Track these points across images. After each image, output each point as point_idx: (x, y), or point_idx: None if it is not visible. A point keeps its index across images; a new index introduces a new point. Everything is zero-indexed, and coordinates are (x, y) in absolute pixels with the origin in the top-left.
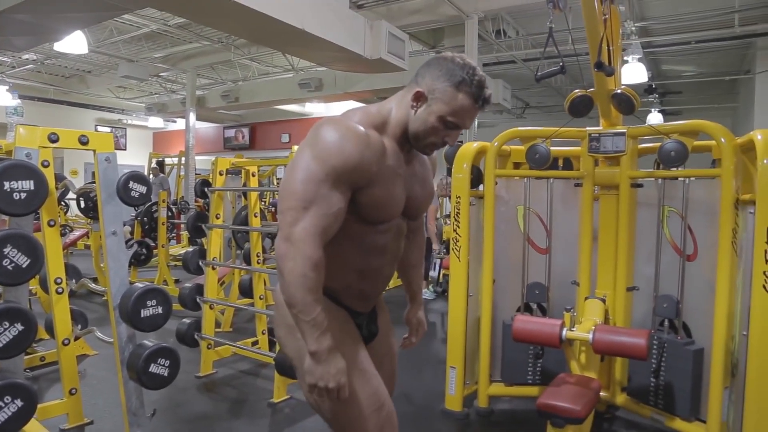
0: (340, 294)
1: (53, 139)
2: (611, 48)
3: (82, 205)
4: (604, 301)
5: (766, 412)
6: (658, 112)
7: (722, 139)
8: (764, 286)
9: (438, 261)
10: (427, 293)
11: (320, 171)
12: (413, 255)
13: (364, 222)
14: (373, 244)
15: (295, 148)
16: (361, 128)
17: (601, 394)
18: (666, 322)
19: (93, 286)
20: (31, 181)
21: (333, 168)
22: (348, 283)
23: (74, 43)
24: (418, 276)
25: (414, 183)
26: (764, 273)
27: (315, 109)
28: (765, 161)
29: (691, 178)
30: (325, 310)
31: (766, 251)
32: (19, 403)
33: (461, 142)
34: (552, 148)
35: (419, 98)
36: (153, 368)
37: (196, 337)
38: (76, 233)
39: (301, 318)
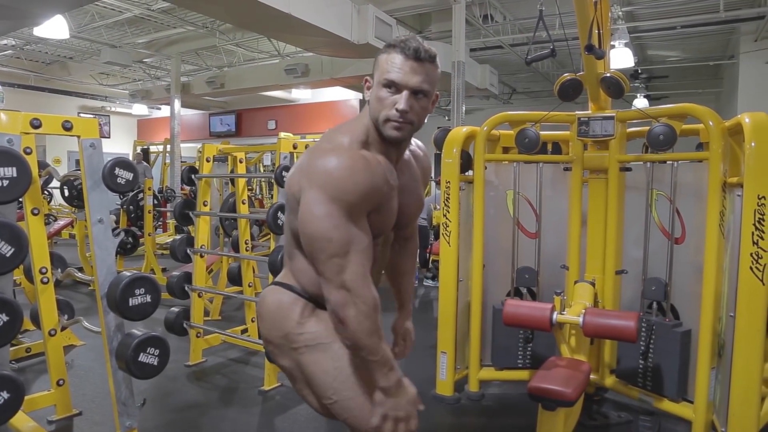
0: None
1: (36, 124)
2: (601, 31)
3: (66, 193)
4: (593, 284)
5: (752, 391)
6: (644, 97)
7: (710, 123)
8: (751, 268)
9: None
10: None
11: (343, 212)
12: (405, 263)
13: None
14: None
15: (282, 135)
16: (361, 152)
17: (591, 376)
18: (654, 305)
19: (79, 275)
20: (14, 168)
21: (353, 205)
22: None
23: (55, 28)
24: (409, 284)
25: (404, 194)
26: (751, 255)
27: (301, 95)
28: (752, 144)
29: (680, 162)
30: (320, 319)
31: (753, 233)
32: (5, 395)
33: (449, 128)
34: (541, 132)
35: (368, 86)
36: (142, 357)
37: (184, 325)
38: (61, 222)
39: (370, 359)
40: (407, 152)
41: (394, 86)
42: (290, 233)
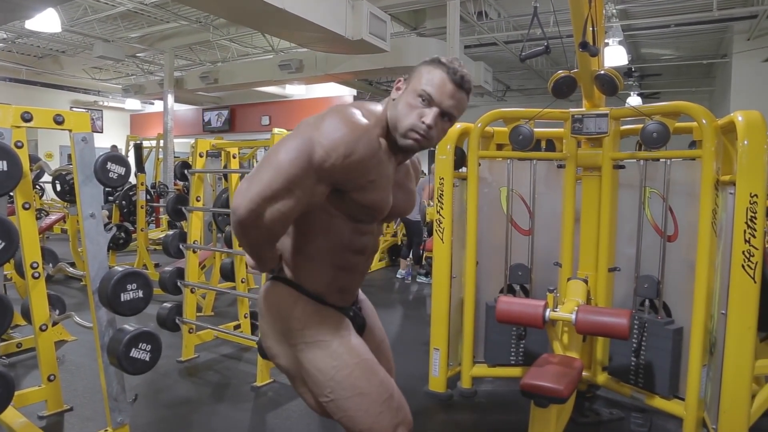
0: (325, 294)
1: (26, 118)
2: (595, 28)
3: (58, 188)
4: (586, 281)
5: (743, 388)
6: (637, 95)
7: (703, 121)
8: (743, 266)
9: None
10: (402, 273)
11: (317, 161)
12: None
13: (350, 220)
14: (353, 244)
15: (276, 130)
16: (375, 132)
17: (583, 373)
18: (647, 302)
19: (71, 270)
20: (4, 162)
21: (332, 165)
22: (329, 280)
23: (47, 21)
24: None
25: (398, 189)
26: (743, 252)
27: (295, 90)
28: (745, 142)
29: (673, 160)
30: (320, 316)
31: (745, 231)
32: None
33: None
34: (535, 129)
35: (398, 87)
36: (134, 353)
37: (177, 321)
38: (53, 217)
39: (254, 259)
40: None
41: (428, 99)
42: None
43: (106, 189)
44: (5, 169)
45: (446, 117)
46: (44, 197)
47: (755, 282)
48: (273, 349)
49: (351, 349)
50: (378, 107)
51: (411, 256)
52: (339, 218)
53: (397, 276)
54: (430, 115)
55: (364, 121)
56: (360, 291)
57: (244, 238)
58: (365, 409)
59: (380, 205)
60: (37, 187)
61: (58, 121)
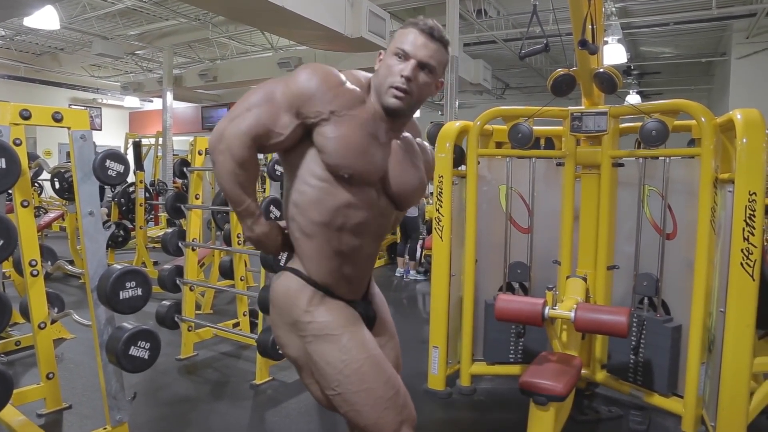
0: (332, 286)
1: (25, 115)
2: (594, 26)
3: (57, 185)
4: (585, 279)
5: (741, 386)
6: (636, 93)
7: (702, 119)
8: (741, 264)
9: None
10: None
11: (279, 91)
12: None
13: (338, 180)
14: (349, 220)
15: None
16: (341, 75)
17: (582, 371)
18: (645, 300)
19: (69, 268)
20: (2, 159)
21: (292, 93)
22: (333, 267)
23: (45, 18)
24: None
25: (397, 162)
26: (742, 251)
27: None
28: (744, 140)
29: (672, 158)
30: (329, 309)
31: (743, 229)
32: None
33: (442, 123)
34: (534, 127)
35: (380, 57)
36: (133, 351)
37: (176, 319)
38: (51, 215)
39: (234, 207)
40: (418, 140)
41: (404, 55)
42: (289, 207)
43: (105, 186)
44: (3, 166)
45: (426, 69)
46: (43, 195)
47: (754, 280)
48: (282, 338)
49: (360, 344)
50: (365, 74)
51: (408, 253)
52: (329, 183)
53: (396, 274)
54: (407, 68)
55: (339, 71)
56: (375, 285)
57: (216, 168)
58: (371, 404)
59: (353, 148)
60: (35, 184)
61: (57, 118)
